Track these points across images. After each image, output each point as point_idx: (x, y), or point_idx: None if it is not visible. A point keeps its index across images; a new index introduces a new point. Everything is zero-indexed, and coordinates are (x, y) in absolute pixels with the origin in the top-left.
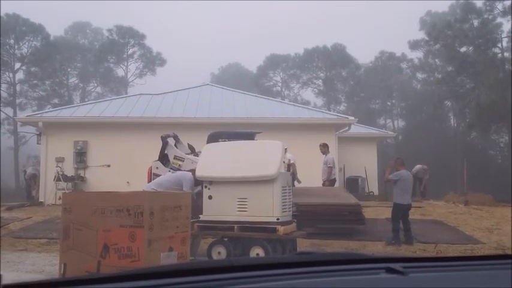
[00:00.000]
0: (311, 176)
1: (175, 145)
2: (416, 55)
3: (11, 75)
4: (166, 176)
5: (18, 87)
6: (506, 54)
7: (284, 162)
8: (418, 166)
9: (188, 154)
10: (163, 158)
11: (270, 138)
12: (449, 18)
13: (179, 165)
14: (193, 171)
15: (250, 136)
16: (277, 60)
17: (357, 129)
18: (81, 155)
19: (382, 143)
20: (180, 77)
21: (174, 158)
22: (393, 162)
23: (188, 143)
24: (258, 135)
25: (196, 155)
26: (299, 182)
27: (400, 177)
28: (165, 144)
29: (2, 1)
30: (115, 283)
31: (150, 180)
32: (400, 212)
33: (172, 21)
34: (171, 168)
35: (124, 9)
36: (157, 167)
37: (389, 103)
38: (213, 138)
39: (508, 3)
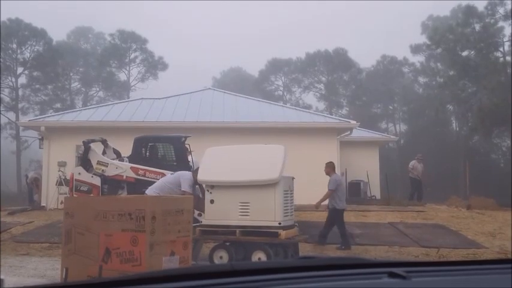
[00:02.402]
0: (312, 182)
1: (104, 150)
2: (418, 59)
3: (13, 79)
4: (166, 177)
5: (20, 92)
6: (508, 58)
7: None
8: (413, 162)
9: (114, 159)
10: (86, 164)
11: (272, 142)
12: (451, 22)
13: (102, 170)
14: (196, 172)
15: (178, 140)
16: (279, 64)
17: (359, 133)
18: None
19: (384, 147)
20: (182, 81)
21: (97, 163)
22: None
23: (114, 148)
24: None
25: (122, 160)
26: None
27: (337, 184)
28: (87, 149)
29: (5, 5)
30: (116, 287)
31: (73, 187)
32: (338, 217)
33: (175, 26)
34: (94, 174)
35: (126, 14)
36: (79, 173)
37: (391, 107)
38: (139, 143)
39: (509, 7)
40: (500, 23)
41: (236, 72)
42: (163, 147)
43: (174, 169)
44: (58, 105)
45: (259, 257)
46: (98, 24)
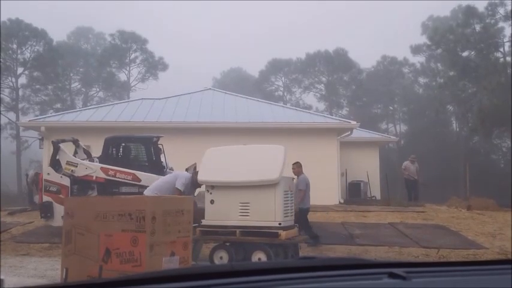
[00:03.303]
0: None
1: (75, 150)
2: (418, 60)
3: (13, 80)
4: (164, 177)
5: (20, 92)
6: (508, 58)
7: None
8: (406, 163)
9: (84, 160)
10: (55, 164)
11: (272, 142)
12: (451, 23)
13: (72, 170)
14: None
15: (149, 140)
16: (279, 64)
17: (359, 133)
18: None
19: (384, 147)
20: (182, 81)
21: (66, 164)
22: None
23: (84, 148)
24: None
25: (92, 160)
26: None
27: (306, 184)
28: (56, 149)
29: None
30: None
31: (42, 187)
32: (303, 216)
33: (175, 26)
34: (64, 174)
35: (126, 15)
36: (48, 173)
37: (391, 108)
38: (109, 143)
39: (509, 8)
40: (501, 24)
41: (236, 73)
42: (134, 148)
43: (145, 170)
44: (58, 105)
45: (259, 257)
46: (98, 24)
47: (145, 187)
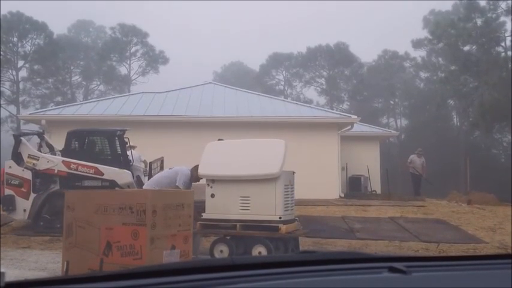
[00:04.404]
0: (313, 176)
1: (40, 143)
2: (419, 54)
3: (14, 73)
4: (164, 172)
5: (21, 85)
6: (510, 53)
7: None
8: (412, 156)
9: (47, 153)
10: (17, 157)
11: (273, 136)
12: (453, 17)
13: (33, 164)
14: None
15: (112, 133)
16: (280, 58)
17: (360, 128)
18: None
19: (385, 142)
20: (183, 75)
21: (28, 157)
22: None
23: (47, 142)
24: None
25: (55, 153)
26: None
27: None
28: (17, 142)
29: None
30: (117, 281)
31: (3, 180)
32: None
33: (175, 20)
34: (25, 168)
35: (127, 8)
36: (10, 166)
37: (392, 102)
38: (72, 136)
39: (511, 2)
40: (502, 18)
41: (237, 67)
42: (97, 141)
43: (108, 163)
44: (59, 98)
45: (259, 251)
46: (99, 17)
47: (108, 181)
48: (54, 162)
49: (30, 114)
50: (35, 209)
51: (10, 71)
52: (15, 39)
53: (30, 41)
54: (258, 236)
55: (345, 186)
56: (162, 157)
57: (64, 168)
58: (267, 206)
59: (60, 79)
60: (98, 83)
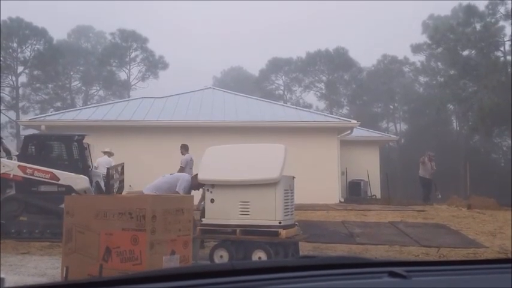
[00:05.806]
0: (312, 181)
1: None
2: (418, 58)
3: (13, 78)
4: (165, 177)
5: (21, 91)
6: (509, 57)
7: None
8: (423, 159)
9: (3, 157)
10: None
11: (272, 141)
12: (452, 22)
13: None
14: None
15: (69, 139)
16: (279, 63)
17: (359, 132)
18: None
19: (385, 146)
20: (183, 80)
21: None
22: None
23: (4, 146)
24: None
25: (11, 158)
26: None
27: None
28: None
29: (6, 4)
30: (117, 286)
31: None
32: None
33: (175, 25)
34: None
35: (127, 13)
36: None
37: (391, 106)
38: (28, 141)
39: (510, 6)
40: (501, 23)
41: (236, 72)
42: (55, 146)
43: (66, 169)
44: (58, 104)
45: (259, 256)
46: (99, 23)
47: (64, 186)
48: (10, 167)
49: (29, 119)
50: None
51: (10, 76)
52: (15, 44)
53: (30, 46)
54: (257, 241)
55: (344, 191)
56: (123, 163)
57: (20, 173)
58: (266, 211)
59: (60, 84)
60: (98, 88)
